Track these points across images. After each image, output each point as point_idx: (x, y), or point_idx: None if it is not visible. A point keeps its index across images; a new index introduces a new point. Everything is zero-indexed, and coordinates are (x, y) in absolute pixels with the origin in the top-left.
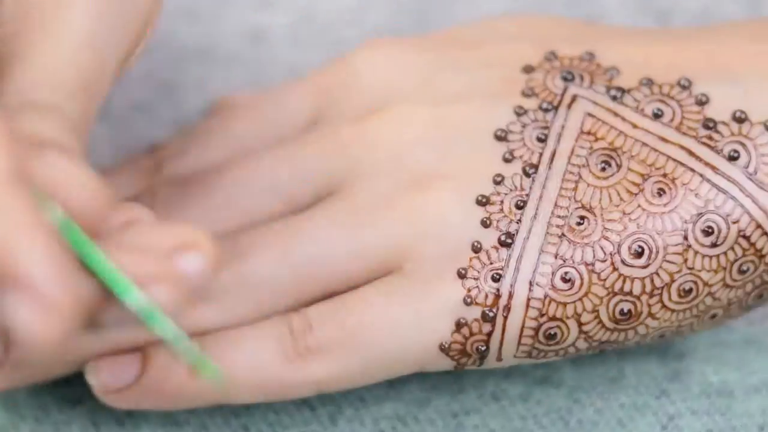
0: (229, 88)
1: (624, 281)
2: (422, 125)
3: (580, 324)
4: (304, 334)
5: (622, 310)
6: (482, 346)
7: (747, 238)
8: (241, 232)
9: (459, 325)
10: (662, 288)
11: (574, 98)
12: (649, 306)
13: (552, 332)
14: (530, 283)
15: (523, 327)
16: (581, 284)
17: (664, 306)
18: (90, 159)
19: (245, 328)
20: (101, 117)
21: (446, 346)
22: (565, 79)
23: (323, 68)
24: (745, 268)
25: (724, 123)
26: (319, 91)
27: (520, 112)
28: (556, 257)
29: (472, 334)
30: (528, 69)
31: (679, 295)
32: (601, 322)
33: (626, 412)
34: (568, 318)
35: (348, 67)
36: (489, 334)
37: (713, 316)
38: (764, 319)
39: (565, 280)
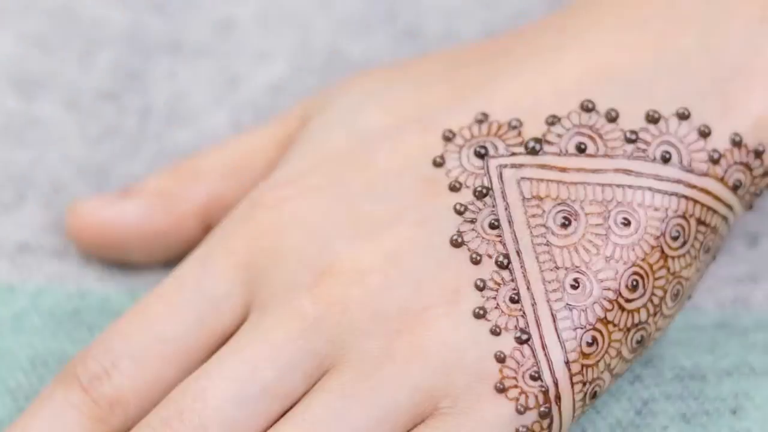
0: (198, 78)
1: (632, 315)
2: (379, 269)
3: (611, 370)
4: None
5: (637, 339)
6: None
7: (703, 222)
8: None
9: None
10: (660, 303)
11: (500, 171)
12: (655, 323)
13: (595, 391)
14: (566, 364)
15: (574, 402)
16: (603, 339)
17: (663, 316)
18: (59, 149)
19: None
20: (69, 106)
21: None
22: (479, 155)
23: (230, 235)
24: (707, 246)
25: (643, 129)
26: (242, 266)
27: (461, 210)
28: (574, 329)
29: None
30: (438, 162)
31: (672, 300)
32: (623, 358)
33: (600, 398)
34: (602, 372)
35: (262, 229)
36: (550, 426)
37: (689, 297)
38: (735, 302)
39: (589, 344)
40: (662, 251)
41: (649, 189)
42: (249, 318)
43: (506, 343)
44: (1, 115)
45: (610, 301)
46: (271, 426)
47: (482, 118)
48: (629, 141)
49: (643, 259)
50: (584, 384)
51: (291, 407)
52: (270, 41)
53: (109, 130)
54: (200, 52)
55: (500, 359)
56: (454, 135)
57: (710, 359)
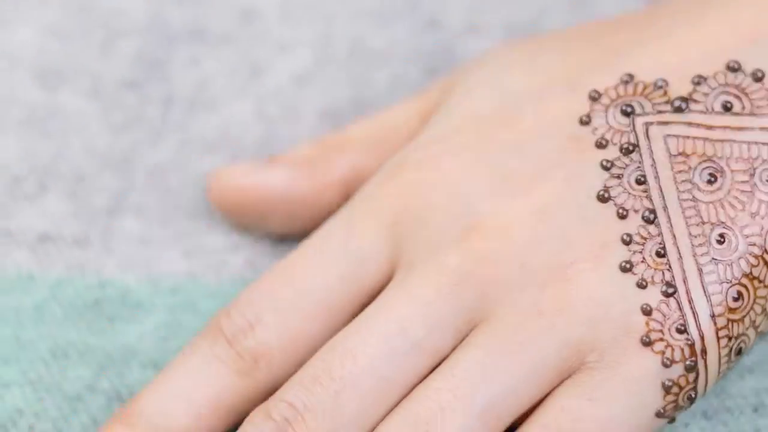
0: (220, 67)
1: None
2: (526, 224)
3: (755, 327)
4: None
5: None
6: (692, 393)
7: None
8: (410, 405)
9: (667, 388)
10: None
11: (646, 128)
12: None
13: (740, 347)
14: (712, 318)
15: (720, 357)
16: (748, 294)
17: None
18: (81, 139)
19: None
20: (92, 96)
21: (662, 411)
22: (625, 113)
23: (375, 196)
24: None
25: None
26: (387, 225)
27: (607, 165)
28: (720, 284)
29: (681, 388)
30: (584, 120)
31: None
32: (767, 315)
33: None
34: (747, 328)
35: (408, 188)
36: (695, 380)
37: None
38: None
39: (735, 298)
40: None
41: None
42: (395, 276)
43: (652, 296)
44: (23, 106)
45: (755, 257)
46: (420, 382)
47: (628, 79)
48: None
49: None
50: (730, 339)
51: (440, 363)
52: (293, 31)
53: (132, 119)
54: (223, 40)
55: (646, 312)
56: (600, 95)
57: None
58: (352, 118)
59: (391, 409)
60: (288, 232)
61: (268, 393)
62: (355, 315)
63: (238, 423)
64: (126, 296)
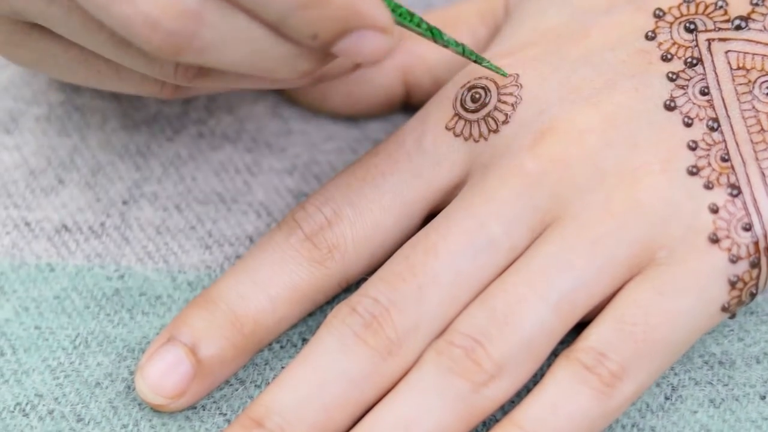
0: None
1: None
2: (597, 129)
3: None
4: (602, 365)
5: None
6: (754, 289)
7: None
8: (488, 299)
9: (732, 283)
10: None
11: (709, 43)
12: None
13: None
14: None
15: None
16: None
17: None
18: (99, 135)
19: (547, 384)
20: (112, 96)
21: (727, 305)
22: (688, 29)
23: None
24: None
25: None
26: (461, 138)
27: (673, 77)
28: None
29: (745, 284)
30: (649, 36)
31: None
32: None
33: None
34: None
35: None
36: (758, 277)
37: None
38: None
39: None
40: None
41: None
42: (470, 179)
43: (719, 196)
44: (45, 105)
45: None
46: (497, 277)
47: (689, 0)
48: None
49: None
50: None
51: (514, 260)
52: None
53: (151, 116)
54: None
55: (714, 211)
56: (664, 13)
57: (740, 346)
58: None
59: (468, 304)
60: (348, 112)
61: (339, 286)
62: (427, 213)
63: (309, 312)
64: (145, 288)
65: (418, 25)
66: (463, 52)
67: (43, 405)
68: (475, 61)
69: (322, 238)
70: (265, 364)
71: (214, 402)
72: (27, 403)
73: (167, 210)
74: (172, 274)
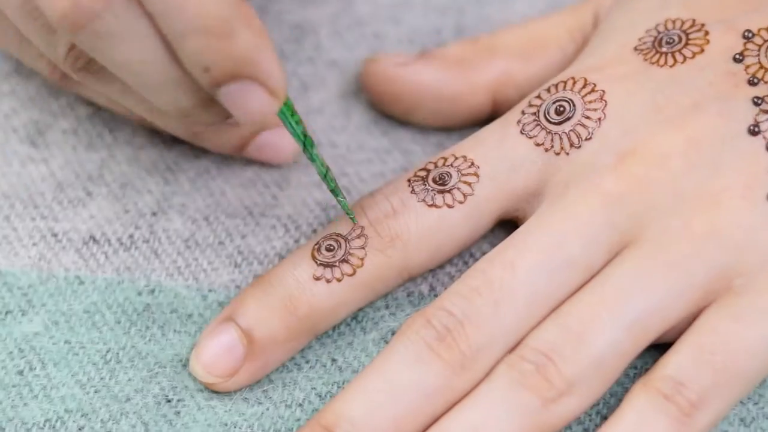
0: None
1: None
2: (680, 152)
3: None
4: (680, 395)
5: None
6: None
7: None
8: (562, 316)
9: None
10: None
11: None
12: None
13: None
14: None
15: None
16: None
17: None
18: (128, 150)
19: (626, 411)
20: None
21: None
22: None
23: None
24: None
25: None
26: (542, 148)
27: (758, 101)
28: None
29: None
30: (737, 58)
31: None
32: None
33: None
34: None
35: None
36: None
37: None
38: None
39: None
40: None
41: None
42: (548, 193)
43: None
44: (72, 118)
45: None
46: (572, 294)
47: None
48: None
49: None
50: None
51: (590, 280)
52: (342, 48)
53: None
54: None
55: None
56: (753, 35)
57: None
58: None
59: (542, 320)
60: (433, 125)
61: (401, 276)
62: (499, 215)
63: (369, 300)
64: (176, 305)
65: (297, 124)
66: (325, 175)
67: (73, 421)
68: (332, 191)
69: (386, 226)
70: (295, 384)
71: (245, 420)
72: (57, 419)
73: (196, 222)
74: (203, 292)
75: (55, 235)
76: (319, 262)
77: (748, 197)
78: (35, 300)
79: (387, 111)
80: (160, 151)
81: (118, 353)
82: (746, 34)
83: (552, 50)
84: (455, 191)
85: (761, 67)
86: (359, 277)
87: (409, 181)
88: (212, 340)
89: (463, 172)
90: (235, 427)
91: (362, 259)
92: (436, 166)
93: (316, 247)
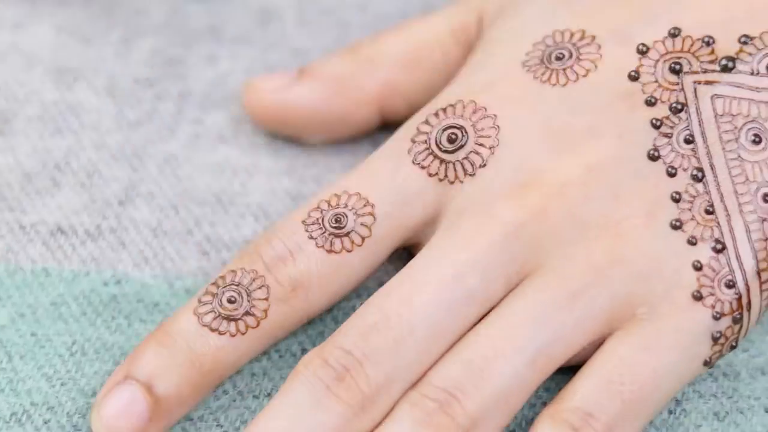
0: (237, 67)
1: None
2: (579, 180)
3: None
4: (589, 426)
5: None
6: (734, 342)
7: None
8: (463, 351)
9: (715, 339)
10: None
11: (694, 87)
12: None
13: None
14: (757, 273)
15: (760, 309)
16: None
17: None
18: (94, 135)
19: None
20: (107, 94)
21: (709, 360)
22: (673, 70)
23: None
24: None
25: None
26: (436, 178)
27: (657, 124)
28: (765, 240)
29: (727, 339)
30: (633, 76)
31: None
32: None
33: None
34: None
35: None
36: (739, 331)
37: None
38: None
39: None
40: None
41: None
42: (442, 222)
43: (703, 252)
44: (37, 104)
45: None
46: (470, 329)
47: (675, 33)
48: None
49: None
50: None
51: (489, 311)
52: (307, 36)
53: (146, 115)
54: (240, 41)
55: (697, 268)
56: (648, 49)
57: (744, 357)
58: None
59: (443, 355)
60: (328, 142)
61: (301, 320)
62: (394, 249)
63: (272, 346)
64: (142, 294)
65: None
66: None
67: (39, 414)
68: None
69: (285, 274)
70: (264, 374)
71: (211, 413)
72: (23, 413)
73: (164, 210)
74: (169, 280)
75: (23, 227)
76: (222, 315)
77: (651, 225)
78: (2, 293)
79: (276, 133)
80: (126, 134)
81: (83, 345)
82: (640, 48)
83: (436, 56)
84: (353, 234)
85: (659, 86)
86: (263, 328)
87: (304, 222)
88: (113, 399)
89: (359, 212)
90: (200, 420)
91: (265, 311)
92: (329, 206)
93: (217, 299)
